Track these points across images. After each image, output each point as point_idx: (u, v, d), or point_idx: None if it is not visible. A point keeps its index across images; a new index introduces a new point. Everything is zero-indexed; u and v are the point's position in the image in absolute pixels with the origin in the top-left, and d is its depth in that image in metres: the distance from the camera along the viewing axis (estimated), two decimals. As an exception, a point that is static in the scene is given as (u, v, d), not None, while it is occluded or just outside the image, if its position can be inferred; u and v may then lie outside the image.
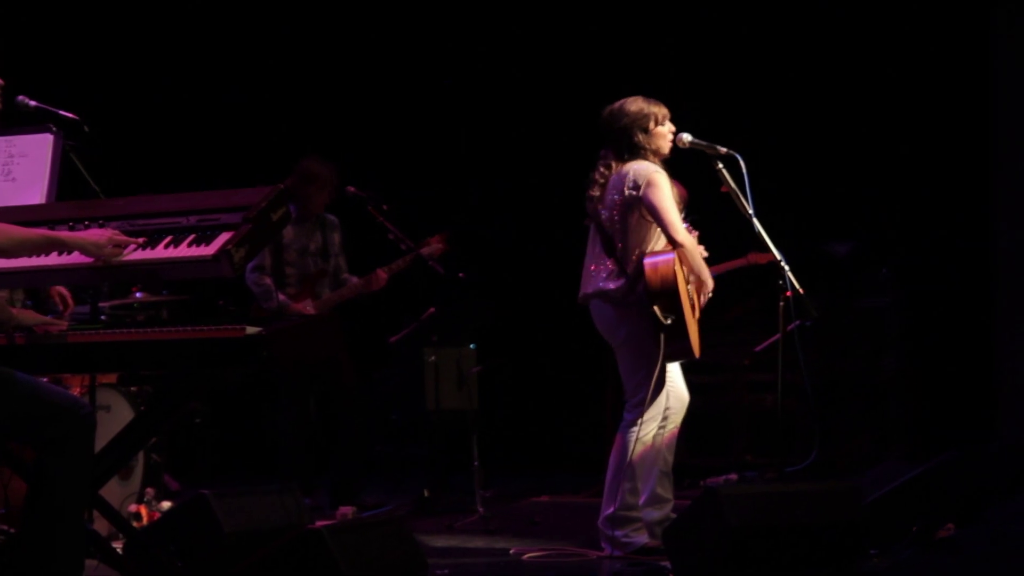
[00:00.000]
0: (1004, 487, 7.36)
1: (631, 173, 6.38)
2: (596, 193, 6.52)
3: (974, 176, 10.13)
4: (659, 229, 6.38)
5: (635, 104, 6.49)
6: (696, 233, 6.76)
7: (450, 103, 10.94)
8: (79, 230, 4.60)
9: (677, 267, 6.30)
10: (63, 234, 4.49)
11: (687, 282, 6.43)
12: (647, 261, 6.31)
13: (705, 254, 6.81)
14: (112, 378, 7.06)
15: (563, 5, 10.77)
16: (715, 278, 6.61)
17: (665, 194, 6.33)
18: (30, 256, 4.49)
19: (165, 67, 10.45)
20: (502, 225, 10.97)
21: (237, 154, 10.15)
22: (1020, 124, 10.08)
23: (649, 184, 6.33)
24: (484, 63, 10.91)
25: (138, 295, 7.54)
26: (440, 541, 7.15)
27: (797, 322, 6.69)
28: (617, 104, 6.53)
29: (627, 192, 6.37)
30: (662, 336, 6.25)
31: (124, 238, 4.47)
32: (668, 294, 6.24)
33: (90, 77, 9.77)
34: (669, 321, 6.22)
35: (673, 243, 6.34)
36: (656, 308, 6.22)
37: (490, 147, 10.96)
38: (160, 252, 4.50)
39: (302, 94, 10.74)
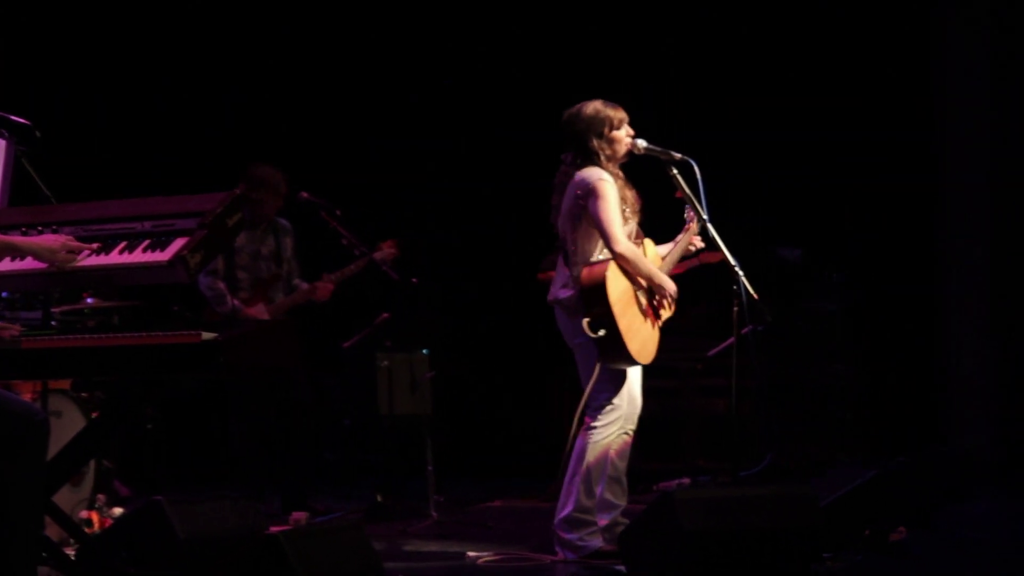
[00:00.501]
0: (953, 492, 7.44)
1: (579, 180, 6.40)
2: (556, 202, 6.54)
3: (921, 182, 10.21)
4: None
5: (591, 107, 6.50)
6: (694, 223, 6.72)
7: (403, 107, 10.92)
8: (32, 235, 4.57)
9: (612, 275, 6.30)
10: (16, 239, 4.46)
11: (638, 289, 6.44)
12: (584, 269, 6.35)
13: (700, 244, 6.80)
14: (65, 384, 7.00)
15: (518, 13, 10.78)
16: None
17: (608, 203, 6.32)
18: None
19: (116, 72, 10.37)
20: (454, 229, 10.96)
21: (189, 160, 10.09)
22: (967, 130, 10.18)
23: (591, 193, 6.34)
24: (438, 67, 10.90)
25: (89, 300, 7.48)
26: (394, 546, 7.13)
27: (750, 327, 6.73)
28: (576, 107, 6.53)
29: (576, 200, 6.39)
30: (597, 345, 6.27)
31: (78, 244, 4.44)
32: (598, 301, 6.26)
33: (40, 82, 9.68)
34: (600, 333, 6.24)
35: (612, 253, 6.35)
36: (585, 320, 6.24)
37: (444, 150, 10.95)
38: (114, 258, 4.49)
39: (252, 100, 10.68)
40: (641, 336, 6.42)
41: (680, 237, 6.76)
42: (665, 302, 6.54)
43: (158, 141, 10.36)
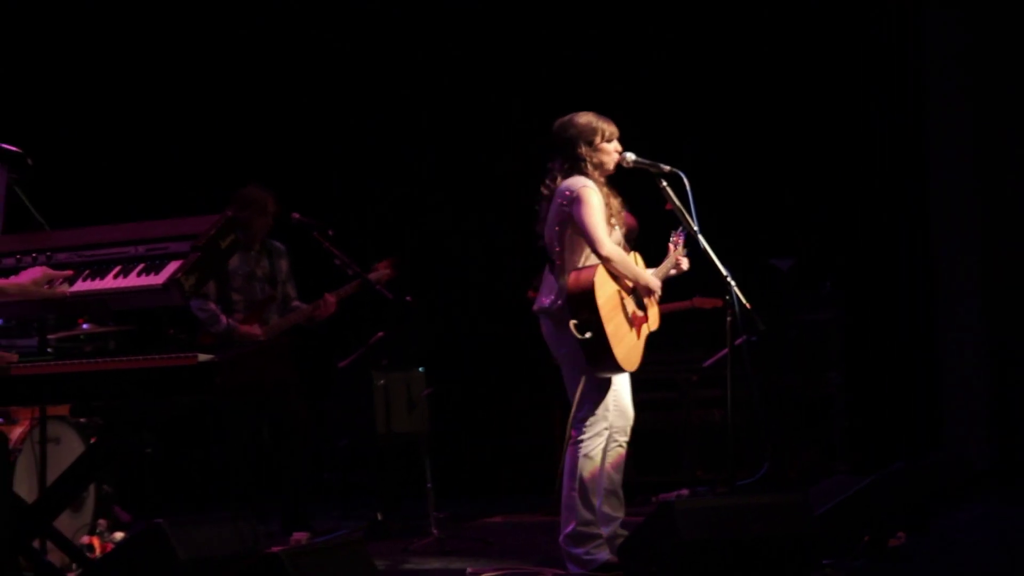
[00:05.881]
0: (951, 497, 7.46)
1: (564, 188, 6.44)
2: (542, 210, 6.57)
3: (913, 191, 10.23)
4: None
5: (584, 117, 6.54)
6: (681, 245, 6.76)
7: (395, 127, 10.95)
8: (25, 264, 4.59)
9: (600, 280, 6.33)
10: (2, 283, 4.46)
11: (626, 294, 6.47)
12: (571, 274, 6.38)
13: (685, 267, 6.81)
14: (63, 410, 7.02)
15: (503, 24, 10.82)
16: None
17: (592, 209, 6.36)
18: None
19: (105, 98, 10.40)
20: (449, 248, 10.98)
21: (180, 184, 10.11)
22: (955, 140, 10.21)
23: (576, 200, 6.38)
24: (425, 85, 10.94)
25: (84, 326, 7.49)
26: (396, 564, 7.15)
27: (744, 337, 6.75)
28: (567, 116, 6.58)
29: (561, 207, 6.42)
30: (584, 350, 6.30)
31: (55, 272, 4.45)
32: (586, 306, 6.27)
33: (32, 107, 9.72)
34: (587, 335, 6.27)
35: (599, 257, 6.38)
36: (572, 323, 6.27)
37: (436, 167, 10.99)
38: (109, 282, 4.50)
39: (241, 123, 10.70)
40: (626, 343, 6.45)
41: (666, 260, 6.79)
42: (650, 301, 6.56)
43: (149, 164, 10.37)
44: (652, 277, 6.57)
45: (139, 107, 10.54)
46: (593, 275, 6.32)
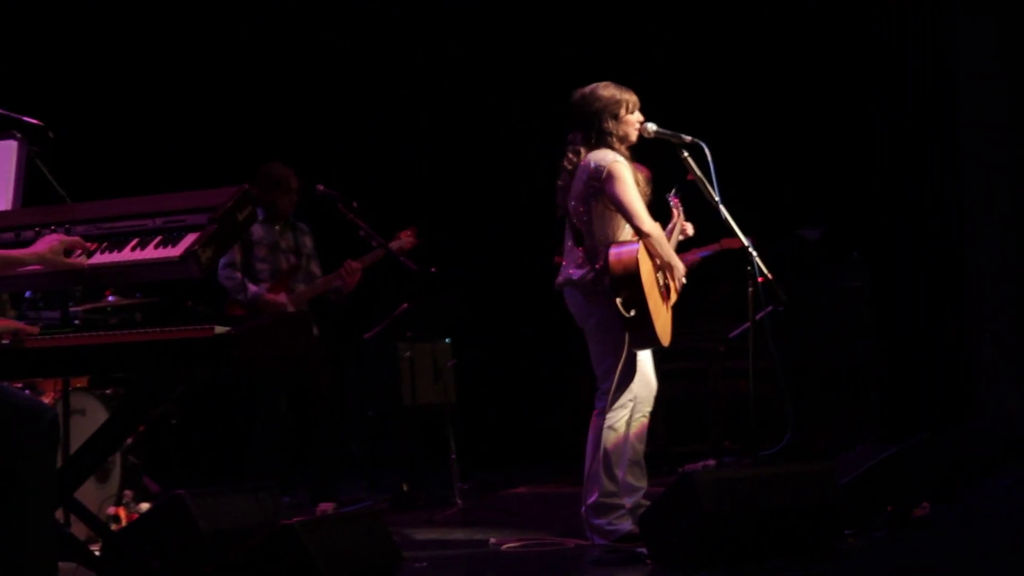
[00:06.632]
0: (978, 467, 7.43)
1: (593, 163, 6.40)
2: (564, 183, 6.55)
3: (944, 158, 10.16)
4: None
5: (607, 90, 6.50)
6: (681, 208, 6.79)
7: (420, 98, 10.95)
8: (44, 235, 4.59)
9: (642, 257, 6.32)
10: (16, 252, 4.47)
11: (657, 270, 6.46)
12: (612, 252, 6.34)
13: (690, 232, 6.85)
14: (83, 381, 7.06)
15: (503, 24, 10.82)
16: (689, 268, 6.64)
17: (627, 185, 6.34)
18: None
19: (128, 71, 10.41)
20: (472, 217, 10.98)
21: (201, 158, 10.13)
22: (986, 106, 10.13)
23: (610, 177, 6.35)
24: (451, 56, 10.93)
25: (110, 298, 7.54)
26: (420, 534, 7.18)
27: (770, 307, 6.73)
28: (588, 88, 6.54)
29: (591, 182, 6.40)
30: (627, 326, 6.28)
31: (71, 240, 4.46)
32: (631, 284, 6.26)
33: (53, 82, 9.74)
34: (632, 313, 6.25)
35: (640, 233, 6.36)
36: (619, 300, 6.25)
37: (458, 137, 10.98)
38: (127, 255, 4.49)
39: (264, 94, 10.72)
40: (662, 317, 6.45)
41: (671, 227, 6.77)
42: (677, 284, 6.55)
43: (169, 138, 10.39)
44: (679, 260, 6.55)
45: (161, 80, 10.55)
46: (636, 253, 6.30)
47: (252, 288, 8.02)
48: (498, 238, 10.94)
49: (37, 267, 4.46)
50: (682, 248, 7.12)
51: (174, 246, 4.44)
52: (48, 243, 4.43)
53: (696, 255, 8.82)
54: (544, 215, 6.89)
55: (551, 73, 10.34)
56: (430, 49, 10.96)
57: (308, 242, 8.38)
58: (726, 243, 9.15)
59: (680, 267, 6.53)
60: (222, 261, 8.08)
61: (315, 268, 8.38)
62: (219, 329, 4.26)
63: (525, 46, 10.90)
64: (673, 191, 6.90)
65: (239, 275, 8.07)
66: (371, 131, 10.96)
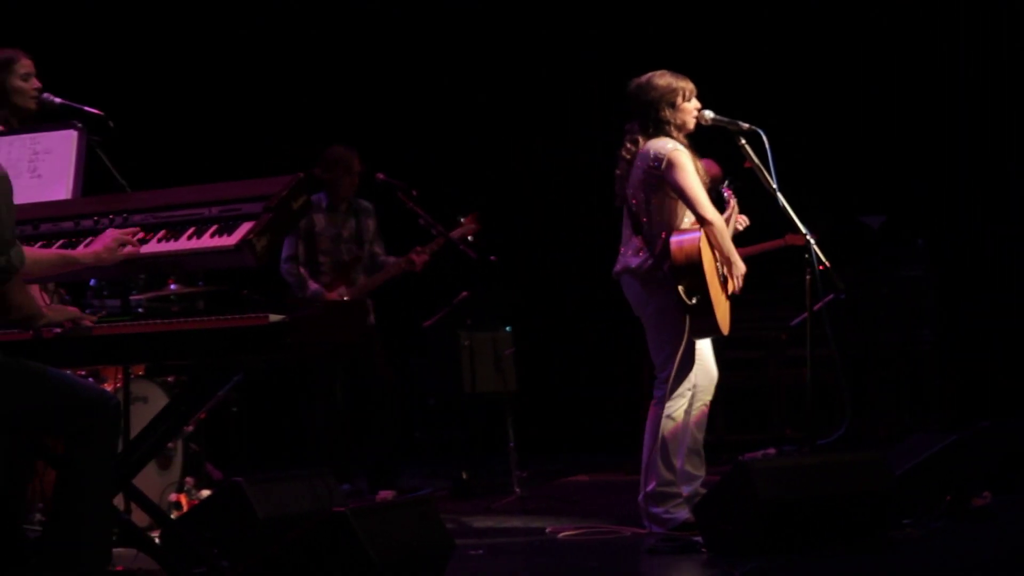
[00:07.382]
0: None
1: (652, 151, 6.38)
2: (622, 172, 6.54)
3: (1006, 148, 10.08)
4: (685, 206, 6.39)
5: (663, 78, 6.48)
6: (735, 200, 6.78)
7: (479, 85, 10.97)
8: (103, 225, 4.65)
9: (703, 245, 6.30)
10: (77, 253, 4.54)
11: (716, 260, 6.44)
12: (673, 240, 6.32)
13: (746, 222, 6.83)
14: (141, 369, 7.13)
15: (503, 24, 10.83)
16: (751, 258, 6.61)
17: (688, 173, 6.32)
18: (51, 274, 4.58)
19: (189, 61, 10.49)
20: (534, 205, 11.00)
21: (261, 145, 10.20)
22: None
23: (670, 165, 6.32)
24: (506, 44, 10.94)
25: (173, 287, 7.60)
26: (477, 522, 7.20)
27: (831, 296, 6.69)
28: (645, 77, 6.52)
29: (650, 171, 6.38)
30: (688, 314, 6.28)
31: (123, 235, 4.52)
32: (693, 272, 6.25)
33: (114, 72, 9.83)
34: (694, 301, 6.24)
35: (701, 221, 6.35)
36: (681, 287, 6.24)
37: (520, 126, 10.99)
38: (183, 243, 4.54)
39: (325, 83, 10.78)
40: (722, 306, 6.44)
41: (727, 219, 6.75)
42: (736, 280, 6.50)
43: (228, 127, 10.46)
44: (738, 256, 6.52)
45: (221, 69, 10.62)
46: (698, 242, 6.28)
47: (312, 286, 8.07)
48: (558, 226, 10.94)
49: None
50: (746, 242, 7.07)
51: (229, 235, 4.48)
52: (103, 242, 4.50)
53: (758, 249, 8.81)
54: (604, 204, 6.86)
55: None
56: (495, 36, 10.96)
57: (371, 224, 8.40)
58: (790, 239, 9.11)
59: (740, 266, 6.46)
60: (283, 254, 8.14)
61: (378, 249, 8.41)
62: (273, 317, 4.30)
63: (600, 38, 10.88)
64: (726, 183, 6.88)
65: (302, 271, 8.13)
66: (433, 119, 10.99)
